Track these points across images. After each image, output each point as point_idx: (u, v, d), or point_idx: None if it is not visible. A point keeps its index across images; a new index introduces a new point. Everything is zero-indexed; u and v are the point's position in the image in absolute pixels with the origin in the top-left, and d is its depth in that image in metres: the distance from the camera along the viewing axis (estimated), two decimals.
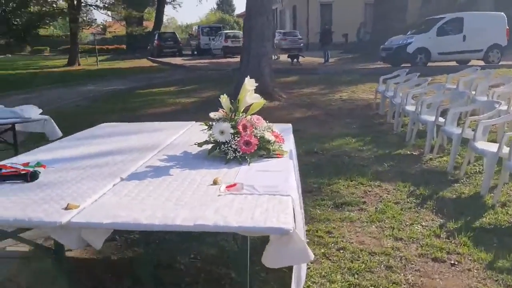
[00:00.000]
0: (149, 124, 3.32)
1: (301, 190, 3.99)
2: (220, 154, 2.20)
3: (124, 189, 1.76)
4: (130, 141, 2.66)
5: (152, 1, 32.78)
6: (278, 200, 1.62)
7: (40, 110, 3.72)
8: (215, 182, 1.84)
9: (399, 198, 3.75)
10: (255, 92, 2.32)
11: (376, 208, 3.54)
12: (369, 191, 3.94)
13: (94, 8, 23.27)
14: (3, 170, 1.94)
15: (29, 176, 1.87)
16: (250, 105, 2.35)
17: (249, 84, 2.28)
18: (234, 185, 1.79)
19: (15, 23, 15.12)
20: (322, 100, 9.30)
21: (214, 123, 2.24)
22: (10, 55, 34.71)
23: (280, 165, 2.11)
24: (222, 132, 2.20)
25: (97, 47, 24.75)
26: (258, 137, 2.21)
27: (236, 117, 2.29)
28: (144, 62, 23.47)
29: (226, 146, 2.16)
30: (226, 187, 1.77)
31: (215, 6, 76.04)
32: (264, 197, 1.66)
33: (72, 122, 7.52)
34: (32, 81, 14.77)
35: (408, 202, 3.65)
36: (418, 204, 3.58)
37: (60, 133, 3.70)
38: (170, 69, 18.94)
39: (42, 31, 43.21)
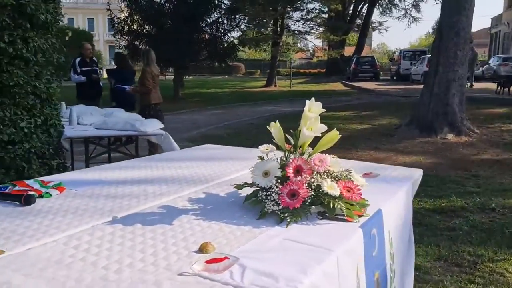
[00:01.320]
0: (246, 150, 2.84)
1: (443, 262, 2.94)
2: (258, 204, 1.57)
3: (88, 236, 1.31)
4: (199, 168, 2.23)
5: (357, 26, 32.70)
6: None
7: (161, 125, 3.66)
8: (201, 250, 1.23)
9: None
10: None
11: None
12: None
13: (296, 33, 24.34)
14: (15, 188, 1.73)
15: (23, 199, 1.60)
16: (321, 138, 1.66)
17: (312, 108, 1.59)
18: (221, 260, 1.16)
19: (221, 47, 16.75)
20: None
21: (260, 161, 1.63)
22: (226, 76, 39.40)
23: (331, 236, 1.36)
24: (266, 174, 1.57)
25: (301, 70, 25.81)
26: (314, 187, 1.50)
27: (293, 154, 1.63)
28: (337, 86, 23.36)
29: (264, 193, 1.52)
30: (206, 262, 1.15)
31: (430, 31, 71.72)
32: None
33: (234, 138, 7.68)
34: (228, 99, 16.15)
35: None
36: None
37: (177, 149, 3.56)
38: (357, 93, 18.26)
39: (257, 55, 47.65)
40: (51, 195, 1.72)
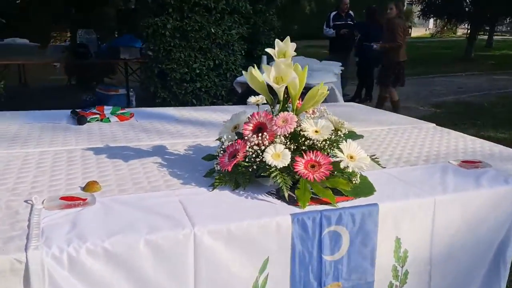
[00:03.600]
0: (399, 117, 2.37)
1: None
2: (211, 160, 1.34)
3: (52, 155, 1.45)
4: None
5: None
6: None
7: (332, 79, 3.40)
8: (85, 187, 1.17)
9: None
10: None
11: None
12: None
13: None
14: (92, 110, 2.02)
15: (77, 119, 1.87)
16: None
17: (286, 52, 1.18)
18: (76, 199, 1.08)
19: None
20: None
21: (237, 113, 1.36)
22: None
23: (229, 213, 1.05)
24: (235, 128, 1.32)
25: None
26: (258, 151, 1.16)
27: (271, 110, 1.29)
28: None
29: (218, 150, 1.28)
30: (60, 198, 1.10)
31: None
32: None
33: (496, 109, 6.44)
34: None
35: None
36: None
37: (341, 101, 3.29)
38: None
39: None
40: (110, 121, 1.94)
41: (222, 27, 3.37)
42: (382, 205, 1.14)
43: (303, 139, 1.18)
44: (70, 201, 1.07)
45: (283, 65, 1.18)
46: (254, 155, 1.16)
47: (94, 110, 2.01)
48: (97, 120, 1.93)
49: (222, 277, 1.01)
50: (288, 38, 1.20)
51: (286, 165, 1.12)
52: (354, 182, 1.20)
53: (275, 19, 5.60)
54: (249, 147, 1.16)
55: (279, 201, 1.13)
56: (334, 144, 1.19)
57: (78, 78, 8.01)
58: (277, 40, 1.21)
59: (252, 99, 1.39)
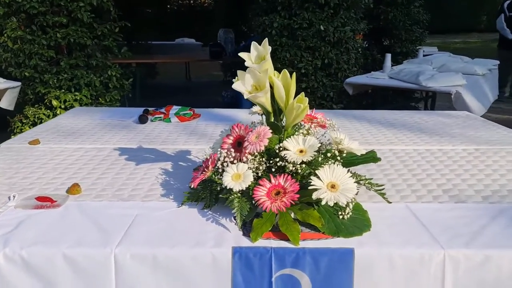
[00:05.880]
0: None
1: None
2: None
3: (80, 152, 1.52)
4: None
5: None
6: None
7: (459, 82, 2.84)
8: (68, 189, 1.19)
9: None
10: None
11: None
12: None
13: None
14: (160, 110, 2.08)
15: (138, 117, 1.95)
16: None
17: (260, 48, 0.99)
18: (48, 200, 1.11)
19: None
20: None
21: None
22: None
23: (164, 237, 0.94)
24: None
25: None
26: (214, 172, 1.01)
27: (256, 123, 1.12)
28: None
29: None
30: (35, 198, 1.13)
31: None
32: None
33: None
34: None
35: None
36: None
37: (472, 109, 2.77)
38: None
39: None
40: (171, 121, 1.97)
41: (335, 24, 3.13)
42: (363, 250, 0.89)
43: (277, 159, 0.99)
44: (40, 201, 1.10)
45: (259, 71, 1.01)
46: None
47: (162, 110, 2.07)
48: (160, 119, 1.98)
49: None
50: (266, 40, 1.02)
51: (244, 188, 0.95)
52: (341, 216, 0.96)
53: (421, 11, 5.01)
54: (221, 164, 1.03)
55: (239, 229, 0.97)
56: (309, 168, 0.96)
57: (231, 74, 8.54)
58: (253, 43, 1.03)
59: (255, 108, 1.24)
